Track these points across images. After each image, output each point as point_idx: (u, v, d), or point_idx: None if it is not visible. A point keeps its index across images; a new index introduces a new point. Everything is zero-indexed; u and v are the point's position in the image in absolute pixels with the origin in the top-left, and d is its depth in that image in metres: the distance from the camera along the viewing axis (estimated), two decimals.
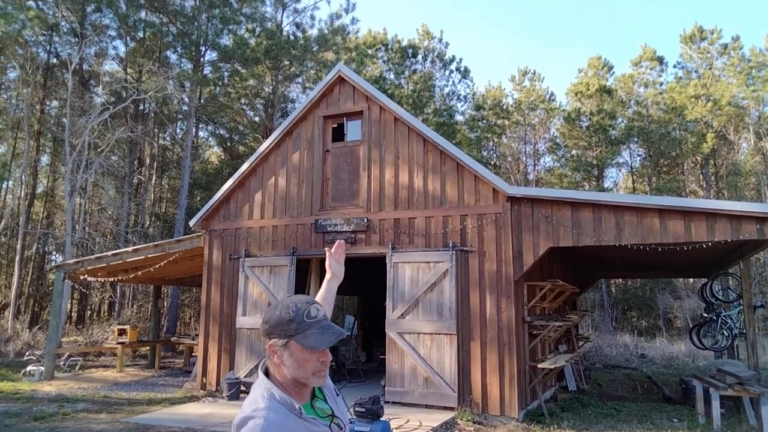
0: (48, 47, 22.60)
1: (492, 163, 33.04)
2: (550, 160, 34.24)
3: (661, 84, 31.17)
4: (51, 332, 12.50)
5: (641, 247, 8.09)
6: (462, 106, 32.45)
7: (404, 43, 29.96)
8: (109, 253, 12.70)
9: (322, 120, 10.36)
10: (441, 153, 9.27)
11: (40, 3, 20.21)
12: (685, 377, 10.92)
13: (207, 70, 22.91)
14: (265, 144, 10.74)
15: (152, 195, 27.85)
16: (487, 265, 8.64)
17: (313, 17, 26.66)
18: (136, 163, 24.76)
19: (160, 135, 27.82)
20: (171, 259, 11.92)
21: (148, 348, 15.52)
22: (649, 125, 29.11)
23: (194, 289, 23.29)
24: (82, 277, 13.38)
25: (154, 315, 16.09)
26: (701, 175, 29.92)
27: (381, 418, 6.06)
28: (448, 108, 30.04)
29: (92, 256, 12.77)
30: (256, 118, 26.60)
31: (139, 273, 13.01)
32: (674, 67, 31.24)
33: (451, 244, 8.87)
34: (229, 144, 28.82)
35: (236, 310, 10.48)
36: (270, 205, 10.59)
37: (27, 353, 14.43)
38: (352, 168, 10.04)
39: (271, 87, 24.64)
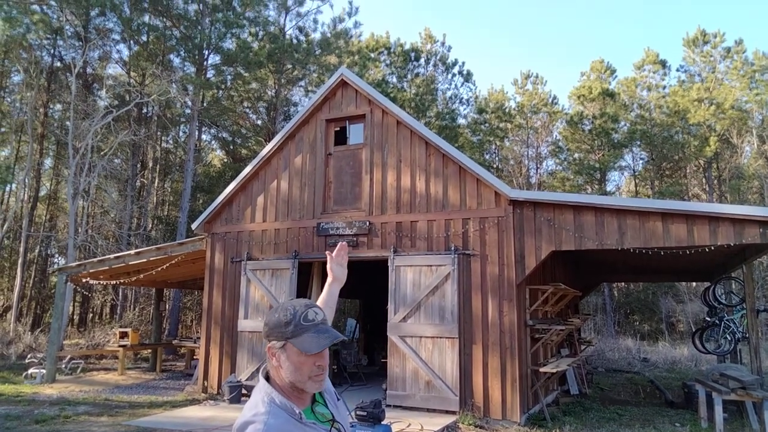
0: (52, 51, 22.73)
1: (494, 166, 33.03)
2: (553, 163, 34.29)
3: (664, 87, 31.20)
4: (53, 335, 12.51)
5: (644, 251, 8.07)
6: (464, 109, 32.55)
7: (407, 47, 30.03)
8: (112, 256, 12.73)
9: (325, 123, 10.38)
10: (443, 156, 9.27)
11: (44, 7, 20.33)
12: (687, 381, 10.86)
13: (210, 73, 23.00)
14: (268, 147, 10.75)
15: (155, 198, 27.90)
16: (489, 269, 8.62)
17: (315, 21, 26.88)
18: (138, 166, 24.84)
19: (163, 138, 27.90)
20: (173, 262, 11.93)
21: (149, 351, 15.52)
22: (651, 129, 29.09)
23: (196, 292, 23.33)
24: (84, 280, 13.40)
25: (156, 318, 16.10)
26: (704, 179, 29.90)
27: (382, 422, 6.06)
28: (451, 111, 30.07)
29: (95, 259, 12.79)
30: (259, 122, 26.64)
31: (141, 276, 13.03)
32: (677, 70, 31.40)
33: (453, 248, 8.86)
34: (231, 147, 28.89)
35: (238, 313, 10.48)
36: (272, 208, 10.60)
37: (29, 356, 14.46)
38: (354, 171, 10.04)
39: (273, 90, 24.69)
